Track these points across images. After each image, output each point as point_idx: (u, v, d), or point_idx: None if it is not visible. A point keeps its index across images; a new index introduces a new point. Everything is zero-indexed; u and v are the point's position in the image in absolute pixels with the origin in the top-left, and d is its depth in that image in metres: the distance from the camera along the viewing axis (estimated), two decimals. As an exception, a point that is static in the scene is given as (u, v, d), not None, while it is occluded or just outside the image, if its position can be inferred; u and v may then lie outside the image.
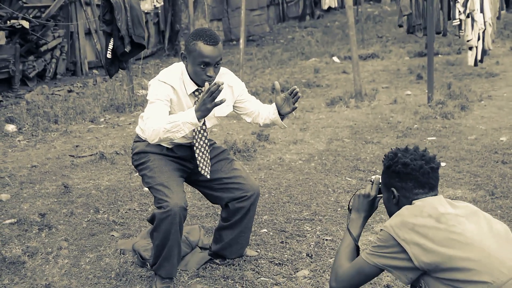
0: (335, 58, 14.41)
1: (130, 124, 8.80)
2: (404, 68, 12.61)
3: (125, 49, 8.97)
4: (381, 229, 2.76)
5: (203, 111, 3.50)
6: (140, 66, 12.86)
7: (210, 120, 4.03)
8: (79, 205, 5.58)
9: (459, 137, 7.47)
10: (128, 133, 8.28)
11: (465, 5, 10.41)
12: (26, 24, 11.40)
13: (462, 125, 8.00)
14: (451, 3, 11.02)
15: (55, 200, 5.74)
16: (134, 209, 5.46)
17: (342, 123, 8.34)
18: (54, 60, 12.70)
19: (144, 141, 3.99)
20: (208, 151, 4.04)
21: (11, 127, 8.46)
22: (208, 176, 4.04)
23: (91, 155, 7.26)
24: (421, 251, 2.60)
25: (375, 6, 28.80)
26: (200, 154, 3.99)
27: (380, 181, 3.05)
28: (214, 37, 3.69)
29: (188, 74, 3.82)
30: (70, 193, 5.89)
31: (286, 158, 6.92)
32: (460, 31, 10.78)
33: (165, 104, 3.74)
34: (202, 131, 3.95)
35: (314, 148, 7.26)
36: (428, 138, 7.41)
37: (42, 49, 12.30)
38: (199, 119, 3.52)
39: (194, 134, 3.93)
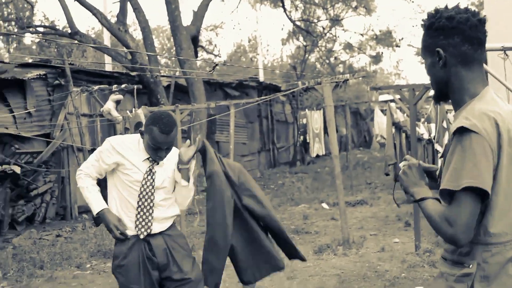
0: (324, 205, 14.52)
1: (116, 270, 8.70)
2: (392, 215, 12.67)
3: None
4: (455, 134, 2.44)
5: (104, 221, 4.18)
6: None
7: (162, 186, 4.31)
8: None
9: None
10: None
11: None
12: (17, 170, 11.57)
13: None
14: (435, 151, 11.28)
15: None
16: None
17: (330, 272, 8.28)
18: (44, 205, 12.77)
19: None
20: (151, 214, 4.23)
21: (-5, 273, 8.38)
22: (142, 236, 4.24)
23: (74, 303, 7.16)
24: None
25: (364, 152, 29.38)
26: (141, 213, 4.23)
27: (421, 45, 2.67)
28: (169, 125, 4.04)
29: (144, 145, 4.18)
30: None
31: (272, 308, 6.82)
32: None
33: (98, 169, 4.29)
34: (149, 192, 4.22)
35: (300, 298, 7.17)
36: (416, 288, 7.35)
37: (33, 193, 12.40)
38: (94, 215, 4.25)
39: (140, 192, 4.23)
